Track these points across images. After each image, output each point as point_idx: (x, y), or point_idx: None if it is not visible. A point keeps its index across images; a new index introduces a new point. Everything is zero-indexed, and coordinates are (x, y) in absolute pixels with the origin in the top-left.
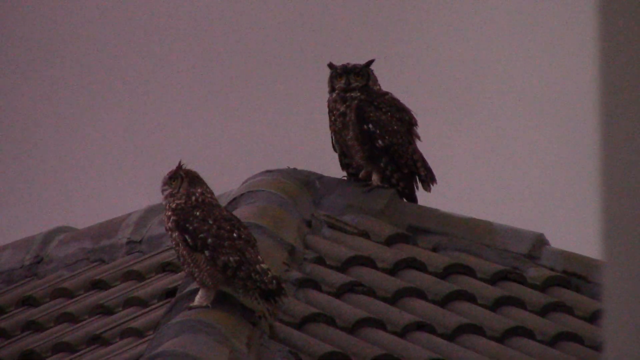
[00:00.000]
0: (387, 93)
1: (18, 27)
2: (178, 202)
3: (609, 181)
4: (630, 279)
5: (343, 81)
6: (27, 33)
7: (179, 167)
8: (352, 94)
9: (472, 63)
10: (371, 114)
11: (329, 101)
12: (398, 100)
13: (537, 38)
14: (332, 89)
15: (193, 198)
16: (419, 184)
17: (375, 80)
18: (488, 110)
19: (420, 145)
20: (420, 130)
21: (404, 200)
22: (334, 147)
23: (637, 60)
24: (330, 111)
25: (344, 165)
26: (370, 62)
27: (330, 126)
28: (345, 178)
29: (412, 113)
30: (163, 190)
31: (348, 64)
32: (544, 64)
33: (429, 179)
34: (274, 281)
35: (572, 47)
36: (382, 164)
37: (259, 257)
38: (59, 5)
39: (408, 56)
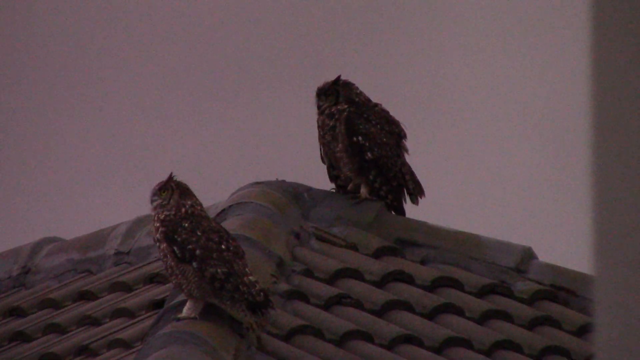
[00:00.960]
0: (377, 104)
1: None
2: (167, 213)
3: (600, 194)
4: (620, 293)
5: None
6: (12, 45)
7: (170, 178)
8: (339, 107)
9: (461, 76)
10: (361, 126)
11: (318, 119)
12: (388, 112)
13: (523, 49)
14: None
15: (183, 210)
16: (407, 197)
17: (352, 94)
18: (476, 123)
19: (409, 158)
20: (408, 142)
21: (393, 213)
22: (322, 159)
23: (628, 70)
24: (320, 127)
25: (332, 177)
26: (337, 79)
27: (319, 139)
28: (334, 190)
29: (402, 125)
30: (152, 201)
31: (322, 84)
32: (532, 76)
33: (417, 192)
34: (262, 293)
35: (559, 57)
36: (370, 177)
37: (247, 269)
38: (42, 19)
39: (397, 69)
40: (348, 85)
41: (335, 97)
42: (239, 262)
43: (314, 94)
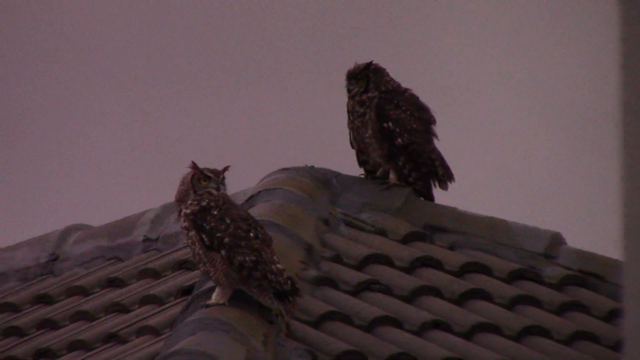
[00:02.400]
0: (406, 90)
1: (26, 23)
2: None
3: (629, 180)
4: None
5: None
6: (35, 29)
7: (225, 169)
8: (370, 95)
9: (488, 60)
10: (391, 112)
11: (348, 104)
12: (418, 98)
13: (551, 32)
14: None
15: (219, 199)
16: (436, 183)
17: (382, 81)
18: (505, 108)
19: (438, 143)
20: (437, 128)
21: (421, 198)
22: (351, 144)
23: None
24: (350, 112)
25: (361, 163)
26: (369, 64)
27: (348, 124)
28: (363, 176)
29: (432, 111)
30: (219, 188)
31: (353, 67)
32: (561, 57)
33: (446, 177)
34: (289, 282)
35: (588, 37)
36: (400, 163)
37: (275, 257)
38: (73, 2)
39: (424, 54)
40: (379, 72)
41: (365, 82)
42: (267, 250)
43: (345, 76)
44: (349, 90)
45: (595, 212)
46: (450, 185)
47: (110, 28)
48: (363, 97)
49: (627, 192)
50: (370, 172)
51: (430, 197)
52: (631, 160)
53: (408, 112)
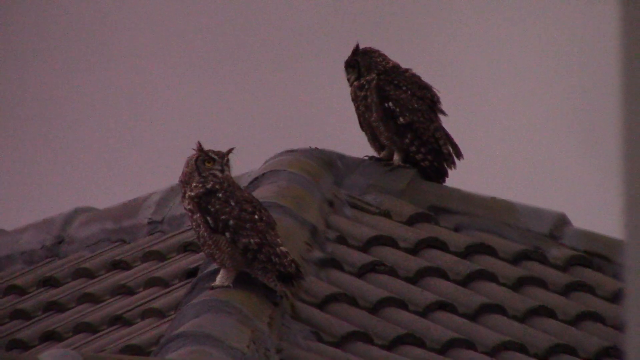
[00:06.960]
0: (407, 70)
1: (29, 5)
2: (212, 183)
3: (630, 161)
4: None
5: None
6: (43, 8)
7: (230, 151)
8: (368, 78)
9: (490, 40)
10: (391, 92)
11: (350, 92)
12: (419, 78)
13: (557, 14)
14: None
15: (223, 181)
16: (449, 158)
17: (372, 62)
18: (509, 89)
19: (445, 123)
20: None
21: (434, 174)
22: (361, 127)
23: None
24: (353, 100)
25: (378, 149)
26: (355, 49)
27: (355, 111)
28: (367, 158)
29: (435, 90)
30: (224, 170)
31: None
32: (565, 40)
33: (455, 154)
34: (293, 264)
35: (590, 23)
36: (407, 140)
37: (279, 239)
38: None
39: (432, 35)
40: (367, 53)
41: (357, 67)
42: (271, 233)
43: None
44: (348, 80)
45: (600, 193)
46: (460, 162)
47: (119, 7)
48: (361, 81)
49: (629, 170)
50: (378, 159)
51: (442, 173)
52: (632, 141)
53: (409, 92)
